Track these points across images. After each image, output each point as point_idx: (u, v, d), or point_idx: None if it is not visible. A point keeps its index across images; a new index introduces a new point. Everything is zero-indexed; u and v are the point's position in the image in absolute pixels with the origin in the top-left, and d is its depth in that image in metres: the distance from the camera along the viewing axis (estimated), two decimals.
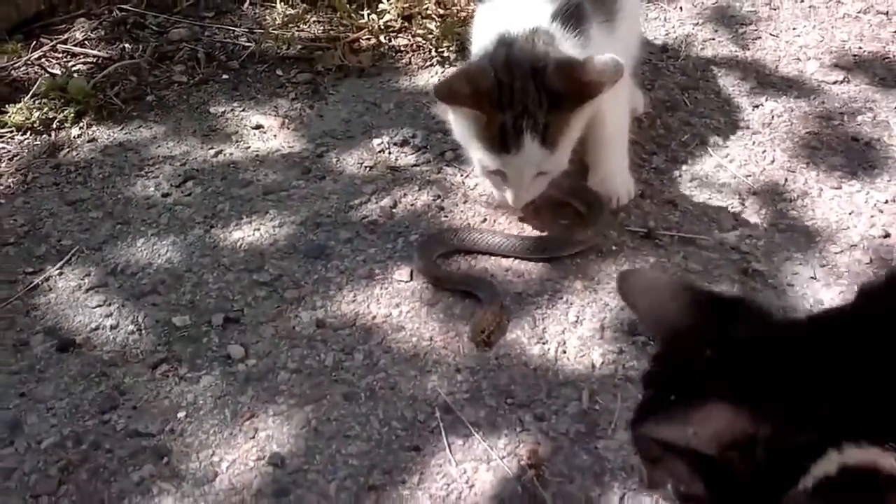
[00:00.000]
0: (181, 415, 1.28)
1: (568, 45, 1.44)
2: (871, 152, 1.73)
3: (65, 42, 2.24)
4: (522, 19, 1.45)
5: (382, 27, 2.15)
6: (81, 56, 2.20)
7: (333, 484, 1.17)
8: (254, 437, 1.24)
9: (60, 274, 1.55)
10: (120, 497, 1.17)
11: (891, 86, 1.91)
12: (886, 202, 1.60)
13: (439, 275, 1.50)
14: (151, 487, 1.18)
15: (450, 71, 2.04)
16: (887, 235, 1.53)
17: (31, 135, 1.92)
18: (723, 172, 1.69)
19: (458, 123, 1.50)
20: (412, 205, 1.66)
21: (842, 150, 1.74)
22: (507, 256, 1.52)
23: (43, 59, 2.18)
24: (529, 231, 1.58)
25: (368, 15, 2.17)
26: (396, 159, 1.79)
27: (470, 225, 1.60)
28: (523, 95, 1.37)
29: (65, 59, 2.19)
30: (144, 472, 1.20)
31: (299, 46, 2.16)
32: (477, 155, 1.46)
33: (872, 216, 1.57)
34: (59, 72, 2.12)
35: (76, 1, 2.35)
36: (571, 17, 1.49)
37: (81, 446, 1.24)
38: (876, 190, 1.63)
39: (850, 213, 1.58)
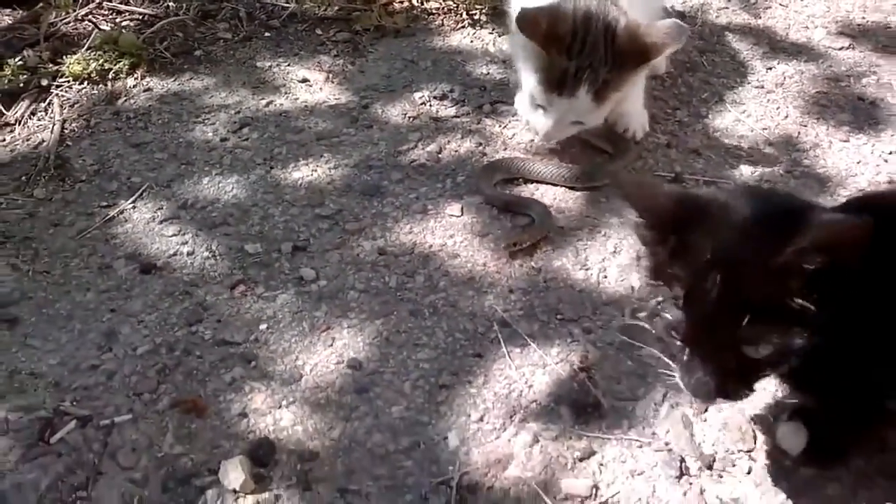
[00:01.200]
0: (263, 327, 1.41)
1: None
2: (876, 110, 1.88)
3: (110, 0, 2.35)
4: None
5: None
6: (127, 13, 2.31)
7: (408, 383, 1.31)
8: (332, 346, 1.37)
9: (134, 208, 1.67)
10: (216, 394, 1.30)
11: (893, 52, 2.07)
12: (891, 153, 1.76)
13: (501, 197, 1.65)
14: (243, 386, 1.31)
15: (481, 32, 2.17)
16: (892, 181, 1.69)
17: (88, 84, 2.04)
18: (741, 126, 1.84)
19: (524, 50, 1.62)
20: (456, 151, 1.80)
21: (849, 108, 1.89)
22: (552, 184, 1.69)
23: (90, 15, 2.29)
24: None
25: None
26: (437, 111, 1.92)
27: (522, 156, 1.76)
28: (593, 50, 1.51)
29: (112, 16, 2.30)
30: (235, 373, 1.33)
31: (336, 7, 2.28)
32: (529, 84, 1.60)
33: (878, 165, 1.73)
34: (107, 27, 2.23)
35: None
36: None
37: (174, 353, 1.36)
38: (881, 142, 1.79)
39: (857, 163, 1.74)
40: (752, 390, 1.00)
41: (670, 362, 1.02)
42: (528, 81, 1.62)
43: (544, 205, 1.63)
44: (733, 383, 0.98)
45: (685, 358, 0.99)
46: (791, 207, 1.01)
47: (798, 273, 0.90)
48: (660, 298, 1.00)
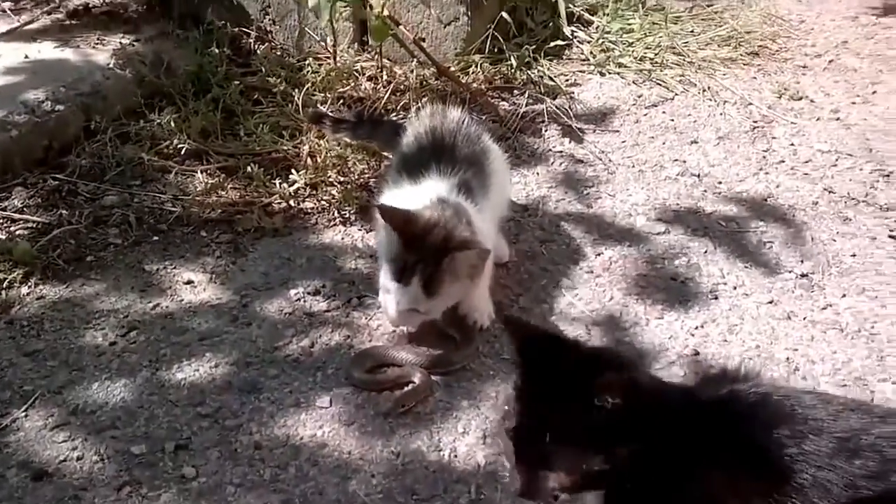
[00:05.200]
0: None
1: (466, 208, 1.91)
2: (685, 289, 2.22)
3: (4, 209, 2.52)
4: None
5: (293, 193, 2.55)
6: (21, 221, 2.49)
7: None
8: None
9: (26, 416, 1.81)
10: None
11: (700, 235, 2.43)
12: (696, 328, 2.08)
13: (376, 380, 1.90)
14: None
15: (351, 229, 2.45)
16: (696, 353, 1.99)
17: None
18: (573, 309, 2.14)
19: (383, 239, 1.93)
20: (327, 343, 2.02)
21: (663, 287, 2.22)
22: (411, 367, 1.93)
23: None
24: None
25: (280, 184, 2.57)
26: (311, 306, 2.15)
27: (385, 344, 2.02)
28: (429, 249, 1.81)
29: (6, 224, 2.48)
30: None
31: (220, 210, 2.52)
32: (382, 271, 1.89)
33: (685, 339, 2.04)
34: (2, 236, 2.40)
35: (11, 171, 2.64)
36: (463, 190, 1.98)
37: None
38: (689, 318, 2.11)
39: (669, 338, 2.05)
40: None
41: None
42: (382, 268, 1.89)
43: (423, 370, 1.88)
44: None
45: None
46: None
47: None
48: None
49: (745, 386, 1.28)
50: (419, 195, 1.95)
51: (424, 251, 1.83)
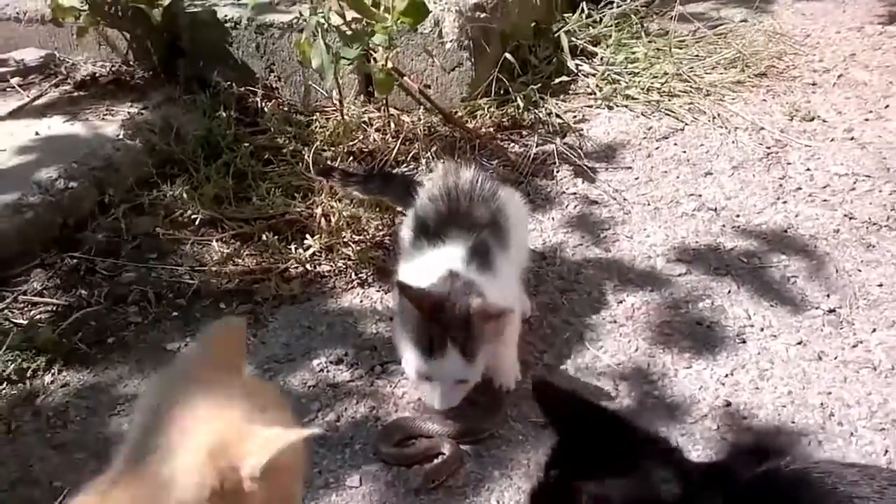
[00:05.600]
0: None
1: (480, 280, 1.89)
2: (711, 334, 2.19)
3: (24, 293, 2.53)
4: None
5: (308, 258, 2.55)
6: (42, 305, 2.49)
7: None
8: None
9: None
10: None
11: (722, 273, 2.40)
12: (726, 375, 2.04)
13: (405, 454, 1.88)
14: None
15: (369, 291, 2.44)
16: (728, 404, 1.96)
17: (7, 385, 2.19)
18: (599, 363, 2.11)
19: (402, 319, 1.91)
20: (353, 417, 2.00)
21: (689, 333, 2.19)
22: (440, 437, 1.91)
23: (7, 311, 2.47)
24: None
25: (295, 248, 2.56)
26: (334, 377, 2.14)
27: (411, 415, 2.00)
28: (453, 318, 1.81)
29: (27, 308, 2.49)
30: None
31: (237, 280, 2.52)
32: (409, 359, 1.87)
33: (716, 389, 2.01)
34: (24, 321, 2.41)
35: (29, 253, 2.66)
36: (478, 255, 1.96)
37: None
38: (718, 366, 2.08)
39: (699, 388, 2.01)
40: None
41: None
42: (408, 357, 1.87)
43: (452, 441, 1.86)
44: None
45: None
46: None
47: None
48: None
49: (781, 463, 1.25)
50: (434, 265, 1.93)
51: (451, 322, 1.81)
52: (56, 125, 3.11)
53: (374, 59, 2.93)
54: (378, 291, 2.44)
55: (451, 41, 3.09)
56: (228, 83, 3.26)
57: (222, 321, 1.35)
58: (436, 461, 1.85)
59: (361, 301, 2.41)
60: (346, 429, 1.97)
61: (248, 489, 0.97)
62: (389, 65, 2.91)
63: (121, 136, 3.01)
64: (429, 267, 1.93)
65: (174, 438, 1.03)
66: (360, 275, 2.50)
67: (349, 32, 2.74)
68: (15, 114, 3.18)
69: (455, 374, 1.85)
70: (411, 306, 1.81)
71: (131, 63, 3.47)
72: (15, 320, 2.40)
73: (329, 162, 2.88)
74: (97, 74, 3.44)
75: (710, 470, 1.35)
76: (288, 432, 1.00)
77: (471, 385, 1.90)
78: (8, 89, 3.38)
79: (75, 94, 3.35)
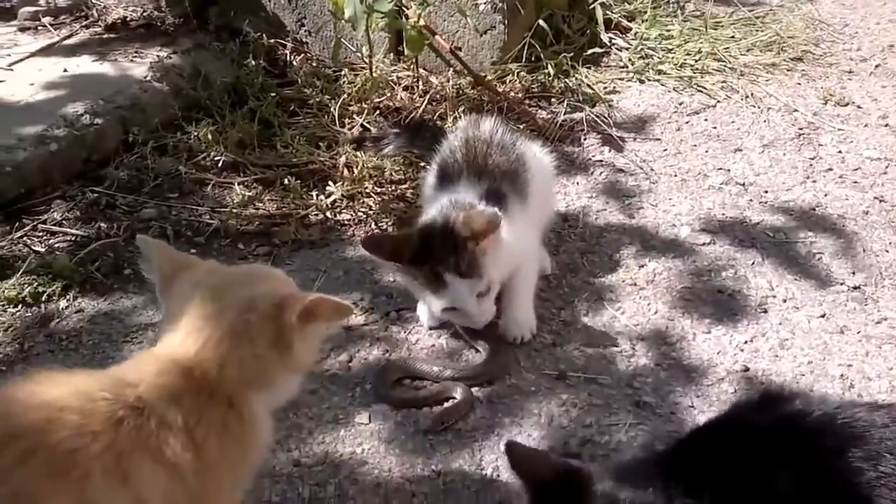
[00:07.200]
0: None
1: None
2: (733, 302, 2.15)
3: (44, 222, 2.53)
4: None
5: (329, 205, 2.53)
6: (60, 234, 2.49)
7: None
8: None
9: None
10: None
11: (747, 246, 2.36)
12: (746, 342, 2.01)
13: (417, 396, 1.87)
14: None
15: None
16: (746, 370, 1.93)
17: (22, 307, 2.19)
18: (617, 322, 2.09)
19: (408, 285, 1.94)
20: (365, 358, 1.99)
21: (710, 300, 2.16)
22: (439, 380, 1.90)
23: (25, 238, 2.46)
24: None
25: (317, 195, 2.55)
26: (348, 320, 2.12)
27: (411, 356, 2.00)
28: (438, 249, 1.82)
29: (46, 238, 2.48)
30: None
31: (257, 223, 2.51)
32: (431, 305, 1.89)
33: (735, 355, 1.98)
34: (42, 249, 2.41)
35: (51, 184, 2.66)
36: (493, 199, 1.94)
37: None
38: (737, 333, 2.04)
39: (717, 353, 1.98)
40: None
41: None
42: (429, 304, 1.90)
43: (464, 386, 1.85)
44: None
45: None
46: None
47: None
48: None
49: (801, 408, 1.21)
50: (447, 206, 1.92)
51: (442, 250, 1.83)
52: (85, 64, 3.10)
53: (407, 16, 2.90)
54: None
55: (484, 3, 3.06)
56: (259, 34, 3.25)
57: (140, 240, 1.45)
58: (447, 404, 1.83)
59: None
60: (358, 369, 1.95)
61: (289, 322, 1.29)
62: (422, 23, 2.88)
63: (148, 78, 3.00)
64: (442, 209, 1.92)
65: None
66: (380, 225, 2.48)
67: None
68: (45, 51, 3.18)
69: (464, 300, 1.85)
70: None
71: (163, 9, 3.45)
72: (34, 247, 2.40)
73: (355, 116, 2.87)
74: (128, 18, 3.43)
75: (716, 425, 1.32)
76: (317, 294, 1.35)
77: (495, 290, 1.90)
78: (39, 27, 3.38)
79: (105, 35, 3.35)
